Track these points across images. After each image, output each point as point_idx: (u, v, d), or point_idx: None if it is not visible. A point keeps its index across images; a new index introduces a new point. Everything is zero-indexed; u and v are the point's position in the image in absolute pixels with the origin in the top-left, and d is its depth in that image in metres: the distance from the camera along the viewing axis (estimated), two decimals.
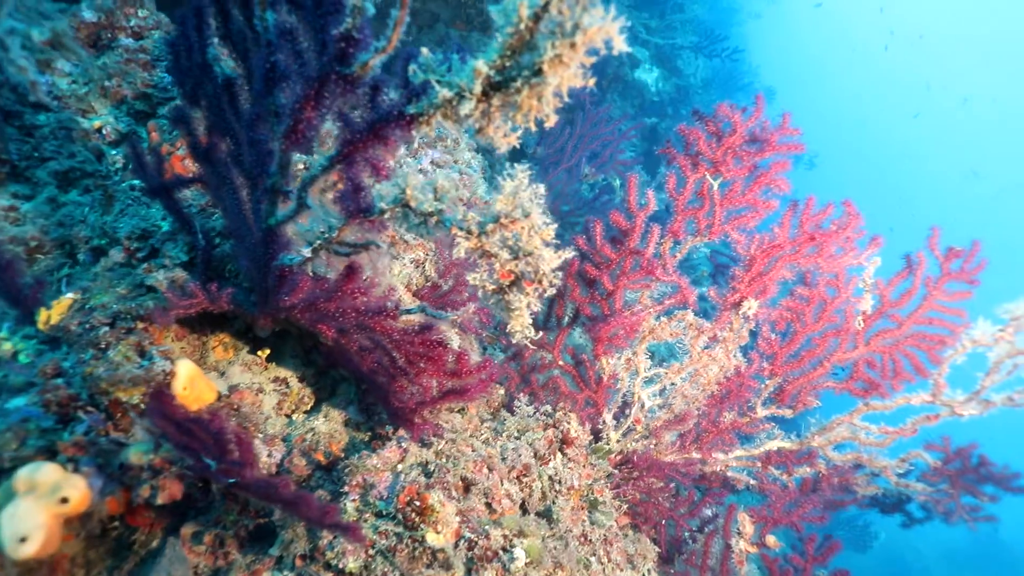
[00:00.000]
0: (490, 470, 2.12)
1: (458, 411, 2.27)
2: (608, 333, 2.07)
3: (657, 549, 2.46)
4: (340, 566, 1.73)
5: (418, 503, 1.80)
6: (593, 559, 2.28)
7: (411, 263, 2.54)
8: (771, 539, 2.12)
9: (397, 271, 2.48)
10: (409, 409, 1.95)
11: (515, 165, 1.21)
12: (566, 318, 2.24)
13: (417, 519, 1.79)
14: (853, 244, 2.00)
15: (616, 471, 2.41)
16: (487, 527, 1.92)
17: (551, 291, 2.28)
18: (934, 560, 11.99)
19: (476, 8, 5.75)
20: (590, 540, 2.30)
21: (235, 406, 1.98)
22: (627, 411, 2.29)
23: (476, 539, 1.86)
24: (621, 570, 2.39)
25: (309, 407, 2.21)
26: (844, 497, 2.53)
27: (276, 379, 2.15)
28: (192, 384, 1.79)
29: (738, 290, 2.03)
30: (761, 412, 2.31)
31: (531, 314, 1.37)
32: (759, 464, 2.44)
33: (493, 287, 1.35)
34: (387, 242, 1.43)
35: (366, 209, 1.39)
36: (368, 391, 2.17)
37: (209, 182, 1.72)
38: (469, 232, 1.28)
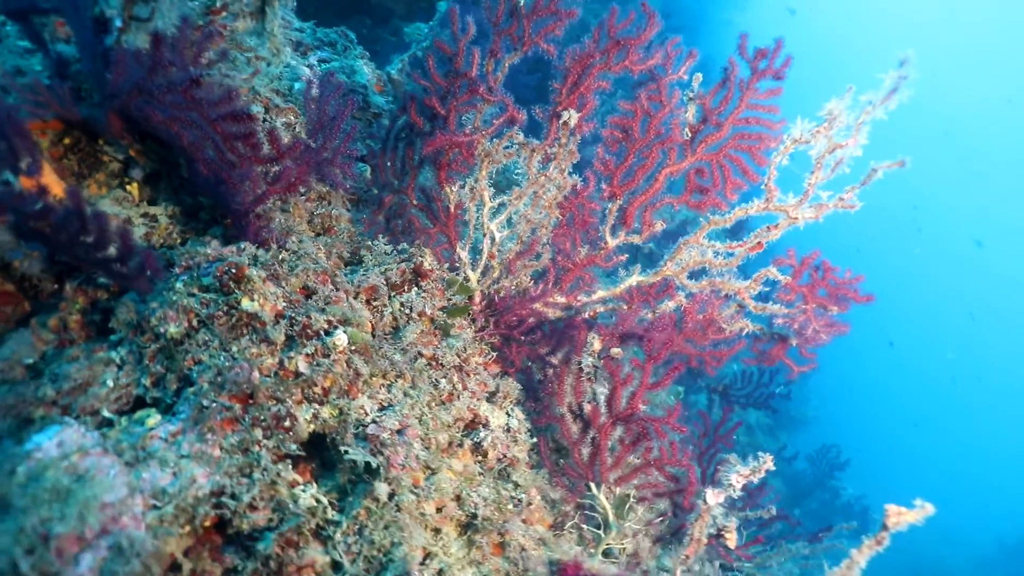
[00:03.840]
0: (336, 286, 2.21)
1: (317, 232, 2.40)
2: (444, 151, 2.20)
3: (521, 387, 2.48)
4: (163, 331, 1.83)
5: (234, 271, 1.91)
6: (443, 380, 2.29)
7: (283, 127, 2.74)
8: (615, 350, 2.15)
9: None
10: (244, 210, 2.10)
11: None
12: (415, 158, 2.39)
13: (233, 286, 1.90)
14: (669, 52, 2.13)
15: (479, 313, 2.48)
16: (311, 311, 2.00)
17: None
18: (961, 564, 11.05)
19: (428, 1, 6.24)
20: (441, 364, 2.32)
21: None
22: (481, 247, 2.39)
23: (297, 317, 1.95)
24: (478, 400, 2.41)
25: (177, 243, 2.38)
26: (720, 346, 2.53)
27: (146, 215, 2.33)
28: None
29: (559, 103, 2.16)
30: (611, 241, 2.38)
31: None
32: (625, 307, 2.48)
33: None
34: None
35: None
36: (231, 223, 2.33)
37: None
38: None
